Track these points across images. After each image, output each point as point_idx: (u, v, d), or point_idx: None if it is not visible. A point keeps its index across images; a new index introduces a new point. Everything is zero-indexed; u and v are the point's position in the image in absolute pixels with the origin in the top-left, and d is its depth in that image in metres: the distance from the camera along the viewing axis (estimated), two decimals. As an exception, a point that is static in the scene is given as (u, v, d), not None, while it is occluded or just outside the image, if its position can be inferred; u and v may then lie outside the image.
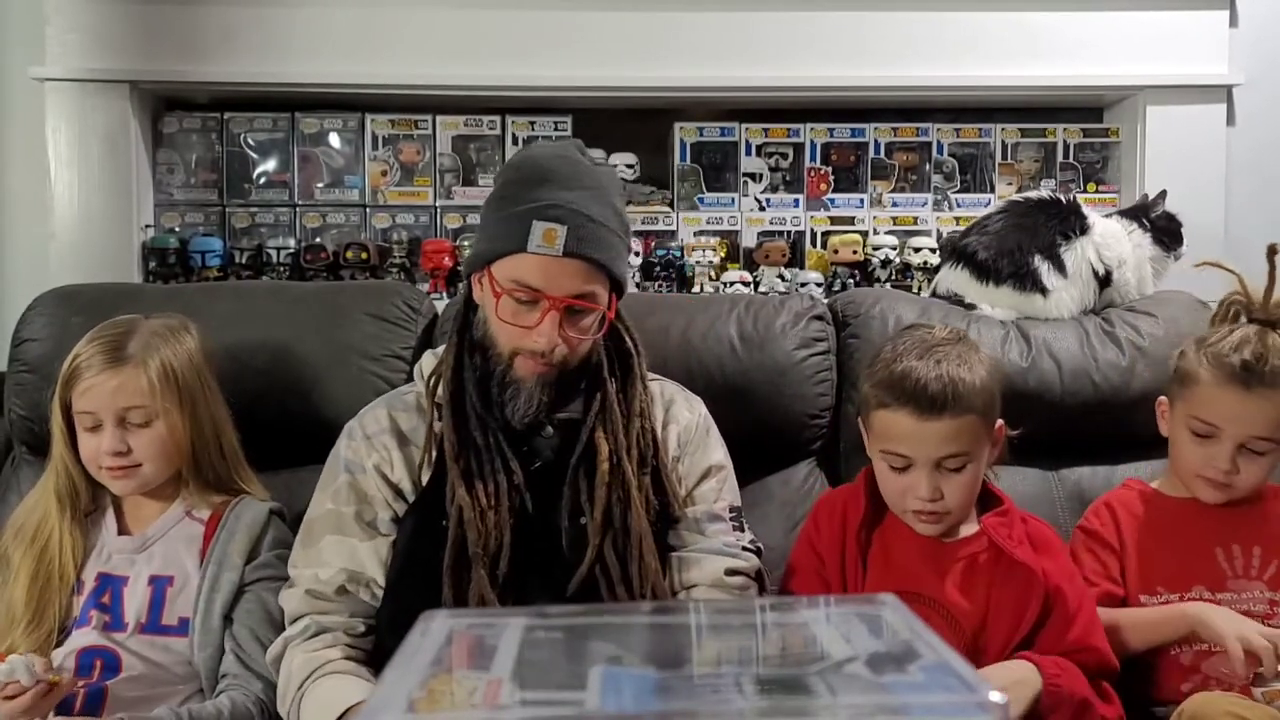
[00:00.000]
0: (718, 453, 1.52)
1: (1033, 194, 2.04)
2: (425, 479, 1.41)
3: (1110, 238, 1.91)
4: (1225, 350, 1.47)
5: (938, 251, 2.27)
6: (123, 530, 1.52)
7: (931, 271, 2.20)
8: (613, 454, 1.39)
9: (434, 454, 1.39)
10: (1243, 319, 1.54)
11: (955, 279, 1.94)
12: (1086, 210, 1.94)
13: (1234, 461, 1.48)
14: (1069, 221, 1.91)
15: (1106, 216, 1.99)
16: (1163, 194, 2.02)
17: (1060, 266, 1.87)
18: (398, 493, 1.42)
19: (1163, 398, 1.59)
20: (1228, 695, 1.32)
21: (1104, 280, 1.90)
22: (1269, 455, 1.49)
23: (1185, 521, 1.53)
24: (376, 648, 1.39)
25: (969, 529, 1.45)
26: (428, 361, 1.50)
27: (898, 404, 1.37)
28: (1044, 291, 1.87)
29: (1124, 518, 1.56)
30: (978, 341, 1.76)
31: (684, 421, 1.51)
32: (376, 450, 1.43)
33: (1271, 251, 1.54)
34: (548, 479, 1.38)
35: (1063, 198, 1.97)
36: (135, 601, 1.45)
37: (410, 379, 1.71)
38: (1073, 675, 1.34)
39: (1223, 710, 1.26)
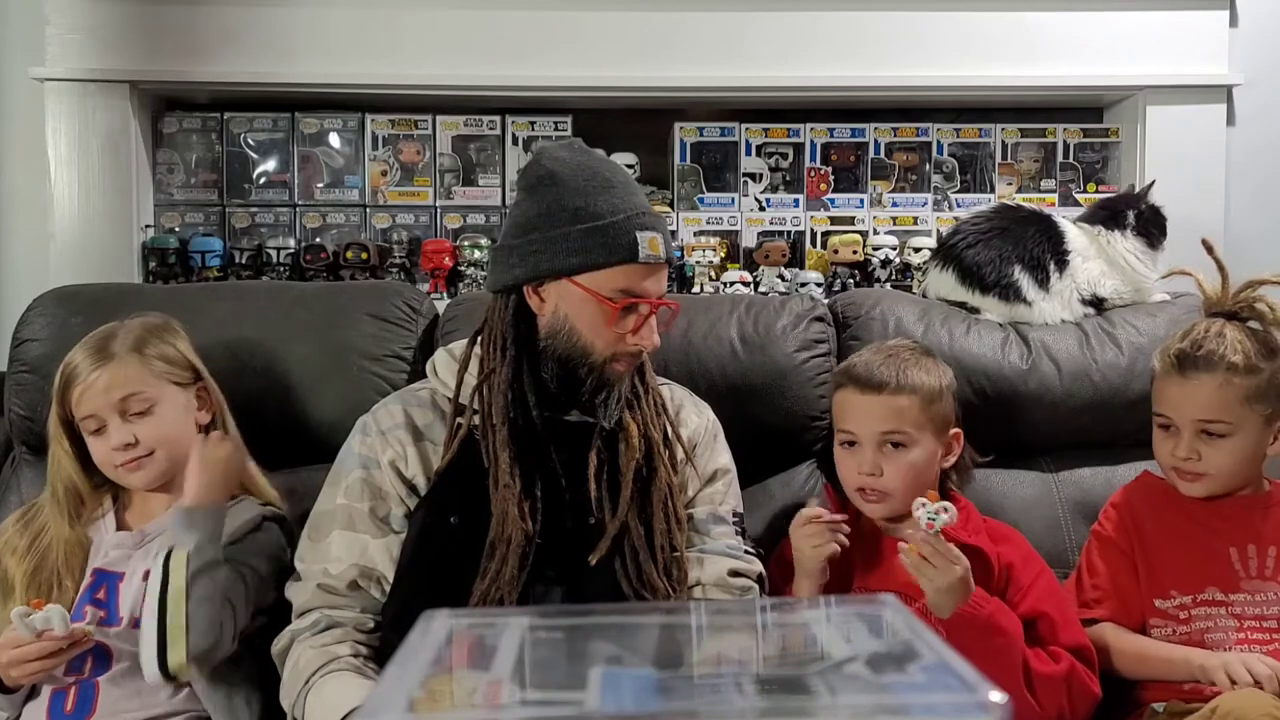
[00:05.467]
0: (724, 457, 1.54)
1: (1027, 205, 2.05)
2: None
3: (1092, 271, 1.91)
4: (1171, 344, 1.54)
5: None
6: (121, 526, 1.52)
7: (932, 272, 2.21)
8: (640, 429, 1.42)
9: (453, 451, 1.39)
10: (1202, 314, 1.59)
11: (942, 284, 1.94)
12: (1068, 239, 1.92)
13: (1193, 449, 1.50)
14: (1053, 246, 1.91)
15: (1076, 221, 1.98)
16: (1150, 185, 2.01)
17: (1041, 283, 1.88)
18: (411, 488, 1.42)
19: None
20: (1269, 695, 1.31)
21: (1097, 304, 1.91)
22: (1231, 438, 1.49)
23: (1198, 519, 1.53)
24: (382, 643, 1.39)
25: None
26: (442, 359, 1.50)
27: (848, 383, 1.55)
28: (1027, 302, 1.88)
29: (1134, 518, 1.57)
30: (978, 344, 1.80)
31: (692, 425, 1.52)
32: (391, 445, 1.43)
33: (1208, 247, 1.60)
34: (577, 462, 1.40)
35: (1055, 220, 1.95)
36: (130, 596, 1.45)
37: (411, 379, 1.72)
38: (997, 608, 1.39)
39: (1263, 711, 1.25)
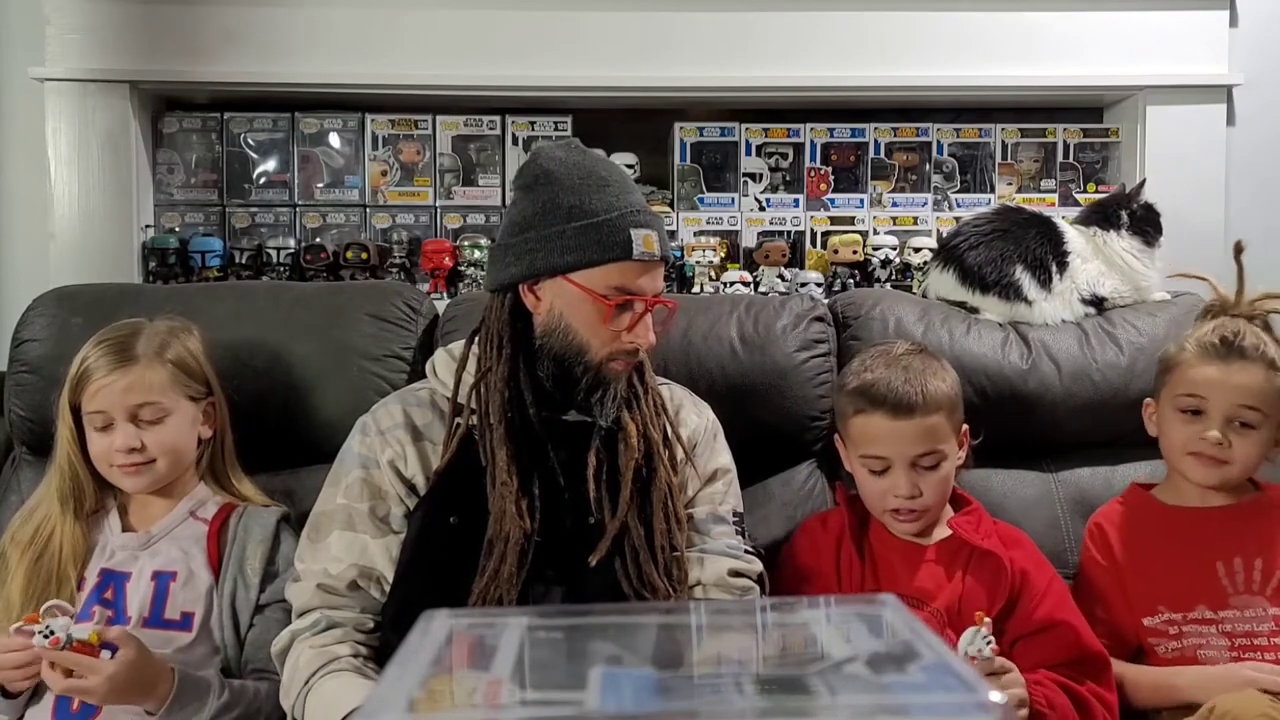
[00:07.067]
0: (724, 457, 1.54)
1: (1028, 207, 2.07)
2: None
3: (1091, 272, 1.91)
4: (1203, 334, 1.54)
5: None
6: (126, 528, 1.53)
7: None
8: (639, 429, 1.41)
9: (452, 451, 1.39)
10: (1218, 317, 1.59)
11: (943, 283, 1.94)
12: (1068, 241, 1.93)
13: (1225, 434, 1.50)
14: (1054, 247, 1.92)
15: (1073, 223, 1.99)
16: (1141, 183, 2.03)
17: (1044, 283, 1.89)
18: (411, 488, 1.42)
19: (1149, 399, 1.63)
20: (1264, 696, 1.32)
21: (1097, 304, 1.91)
22: (1258, 431, 1.50)
23: (1184, 534, 1.53)
24: (382, 643, 1.39)
25: (941, 532, 1.53)
26: (442, 359, 1.50)
27: (873, 408, 1.48)
28: (1028, 302, 1.88)
29: (1118, 537, 1.58)
30: (978, 344, 1.80)
31: (692, 425, 1.52)
32: (391, 445, 1.43)
33: (1238, 250, 1.61)
34: (576, 462, 1.39)
35: (1055, 222, 1.96)
36: (138, 596, 1.46)
37: (411, 379, 1.72)
38: (1061, 711, 1.37)
39: (1259, 711, 1.26)
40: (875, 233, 2.35)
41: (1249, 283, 1.60)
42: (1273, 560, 1.50)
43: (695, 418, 1.54)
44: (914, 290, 2.22)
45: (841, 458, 1.59)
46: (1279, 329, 1.58)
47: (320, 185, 2.34)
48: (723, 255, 2.33)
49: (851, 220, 2.38)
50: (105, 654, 1.33)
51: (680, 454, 1.47)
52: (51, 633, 1.31)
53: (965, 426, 1.55)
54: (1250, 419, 1.50)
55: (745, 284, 2.27)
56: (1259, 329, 1.53)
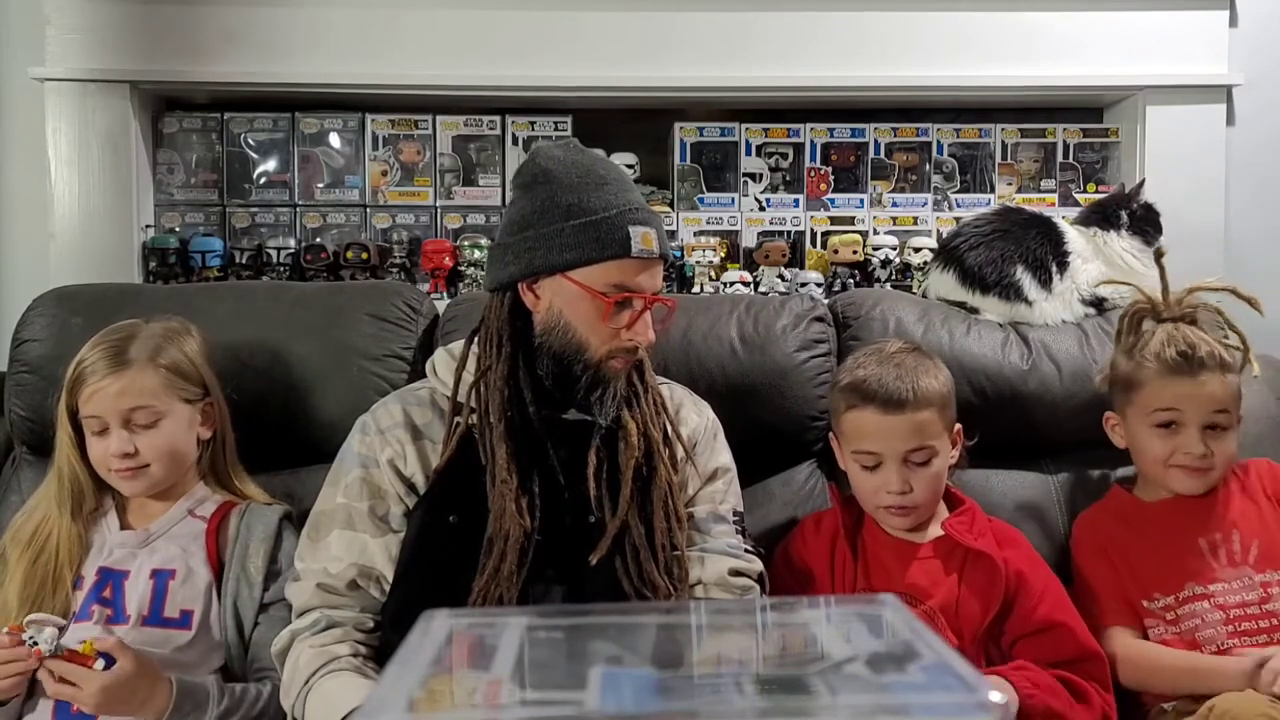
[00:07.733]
0: (724, 456, 1.54)
1: (1028, 208, 2.08)
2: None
3: (1092, 272, 1.92)
4: (1157, 348, 1.56)
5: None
6: (125, 526, 1.53)
7: (932, 272, 2.21)
8: (639, 428, 1.42)
9: (452, 449, 1.39)
10: (1147, 322, 1.62)
11: (943, 284, 1.95)
12: (1068, 241, 1.94)
13: (1205, 444, 1.52)
14: (1054, 247, 1.92)
15: (1073, 223, 2.00)
16: (1141, 183, 2.04)
17: (1044, 283, 1.89)
18: (410, 487, 1.42)
19: (1109, 414, 1.65)
20: (1261, 696, 1.33)
21: (1097, 304, 1.92)
22: (1231, 430, 1.54)
23: (1165, 522, 1.57)
24: (382, 643, 1.39)
25: (936, 530, 1.54)
26: (442, 358, 1.50)
27: (864, 404, 1.49)
28: (1028, 302, 1.88)
29: (1105, 530, 1.61)
30: (978, 344, 1.80)
31: (692, 424, 1.52)
32: (390, 445, 1.43)
33: (1158, 255, 1.67)
34: (576, 460, 1.39)
35: (1055, 222, 1.97)
36: (137, 594, 1.46)
37: (411, 379, 1.72)
38: (1047, 689, 1.38)
39: (1259, 711, 1.27)
40: (875, 233, 2.35)
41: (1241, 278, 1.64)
42: (1251, 531, 1.54)
43: (695, 416, 1.54)
44: (914, 290, 2.22)
45: (836, 455, 1.59)
46: (1203, 322, 1.61)
47: (320, 185, 2.34)
48: (723, 255, 2.33)
49: (851, 220, 2.38)
50: (100, 663, 1.33)
51: (680, 453, 1.47)
52: (35, 644, 1.31)
53: (959, 426, 1.55)
54: (1223, 421, 1.54)
55: (745, 284, 2.27)
56: (1200, 333, 1.56)
